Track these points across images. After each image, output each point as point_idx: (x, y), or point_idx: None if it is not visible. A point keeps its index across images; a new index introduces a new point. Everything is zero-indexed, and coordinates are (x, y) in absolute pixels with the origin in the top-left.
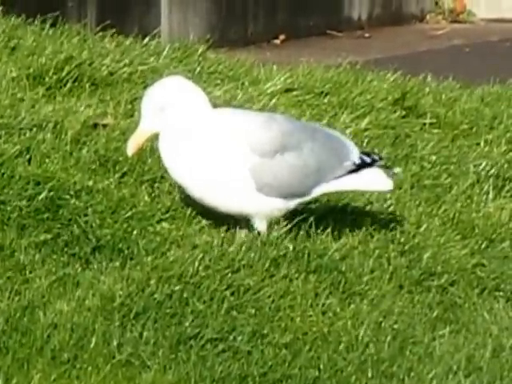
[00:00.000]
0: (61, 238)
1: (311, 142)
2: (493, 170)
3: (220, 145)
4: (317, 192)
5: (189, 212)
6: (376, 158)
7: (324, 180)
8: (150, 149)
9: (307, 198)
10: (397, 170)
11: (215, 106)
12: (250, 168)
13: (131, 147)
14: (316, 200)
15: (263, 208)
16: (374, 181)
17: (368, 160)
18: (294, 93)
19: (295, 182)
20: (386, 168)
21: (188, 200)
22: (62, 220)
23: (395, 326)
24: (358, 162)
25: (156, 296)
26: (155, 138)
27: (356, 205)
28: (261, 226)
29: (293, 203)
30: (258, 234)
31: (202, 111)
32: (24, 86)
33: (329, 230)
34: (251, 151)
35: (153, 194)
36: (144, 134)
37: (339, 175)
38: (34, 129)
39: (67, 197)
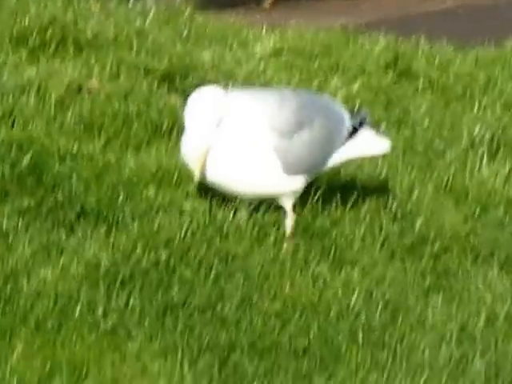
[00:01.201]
0: (44, 204)
1: (319, 114)
2: (487, 135)
3: (242, 130)
4: (330, 163)
5: (175, 177)
6: (363, 116)
7: (334, 150)
8: (136, 113)
9: (321, 171)
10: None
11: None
12: (275, 149)
13: (199, 171)
14: None
15: (290, 186)
16: (372, 143)
17: (357, 121)
18: (284, 56)
19: (315, 156)
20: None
21: (174, 165)
22: (45, 186)
23: (387, 295)
24: (351, 124)
25: (142, 263)
26: (141, 102)
27: (347, 170)
28: (289, 204)
29: (310, 177)
30: (286, 214)
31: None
32: (6, 49)
33: (318, 195)
34: (272, 132)
35: (138, 160)
36: (206, 152)
37: (343, 142)
38: (17, 92)
39: (51, 162)
